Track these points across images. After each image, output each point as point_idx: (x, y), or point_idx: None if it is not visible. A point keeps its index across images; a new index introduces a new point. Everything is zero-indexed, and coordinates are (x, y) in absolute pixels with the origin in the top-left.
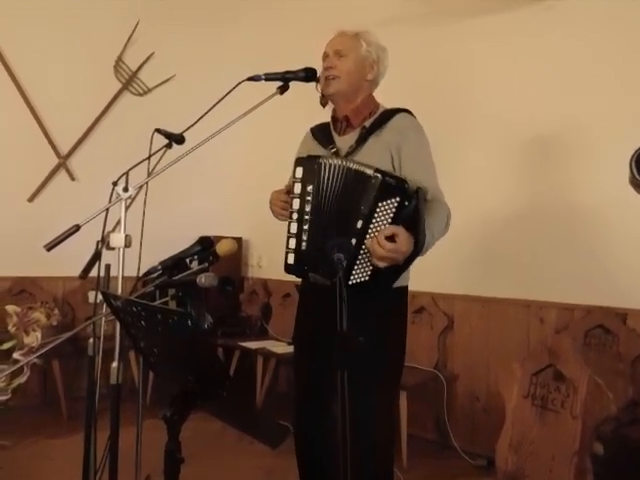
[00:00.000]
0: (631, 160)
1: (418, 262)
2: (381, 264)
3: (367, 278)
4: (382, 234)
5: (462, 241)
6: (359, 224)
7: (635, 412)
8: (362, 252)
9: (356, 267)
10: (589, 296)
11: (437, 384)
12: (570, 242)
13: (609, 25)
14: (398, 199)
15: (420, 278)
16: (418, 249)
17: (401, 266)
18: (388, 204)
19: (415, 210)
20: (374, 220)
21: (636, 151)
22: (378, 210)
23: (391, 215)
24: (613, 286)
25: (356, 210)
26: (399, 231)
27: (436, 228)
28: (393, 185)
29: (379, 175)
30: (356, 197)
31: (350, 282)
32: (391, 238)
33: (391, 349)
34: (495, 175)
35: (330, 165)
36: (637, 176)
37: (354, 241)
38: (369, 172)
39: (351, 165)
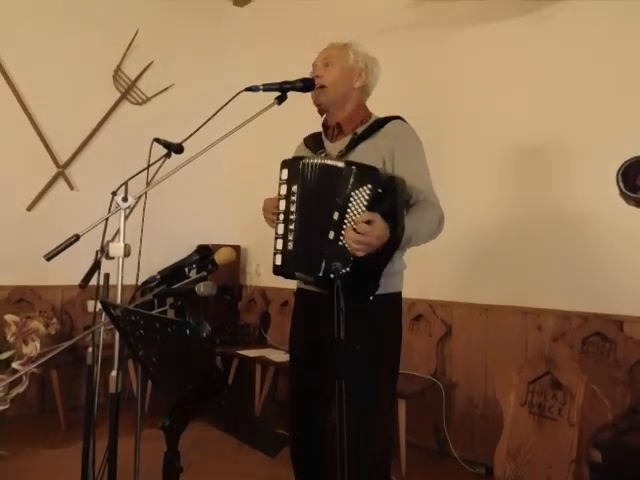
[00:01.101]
0: (617, 174)
1: (416, 270)
2: (358, 252)
3: (348, 269)
4: (357, 221)
5: (460, 249)
6: (335, 216)
7: (633, 419)
8: (340, 244)
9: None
10: (586, 303)
11: (435, 392)
12: (567, 250)
13: (601, 37)
14: (370, 186)
15: (418, 286)
16: (396, 238)
17: (381, 257)
18: (361, 192)
19: (390, 198)
20: (348, 210)
21: (622, 165)
22: (352, 199)
23: (364, 203)
24: (610, 293)
25: (333, 203)
26: (374, 217)
27: (422, 224)
28: (364, 174)
29: (351, 166)
30: (332, 191)
31: (332, 275)
32: (367, 224)
33: (386, 356)
34: (492, 183)
35: (311, 164)
36: (624, 189)
37: (332, 234)
38: (340, 165)
39: (326, 161)
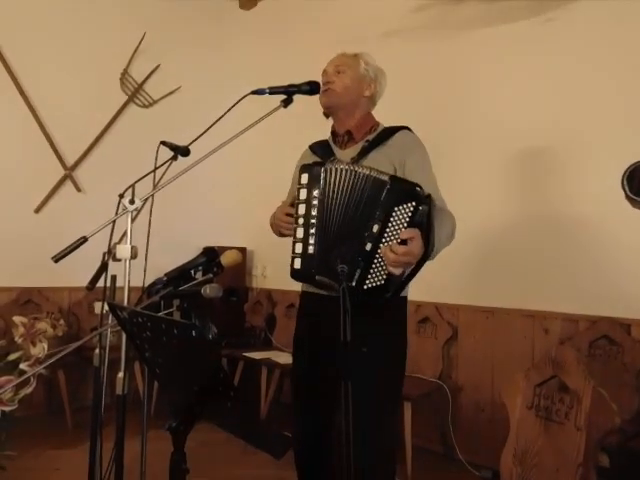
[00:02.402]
0: (623, 177)
1: (422, 272)
2: (396, 270)
3: (382, 282)
4: (399, 239)
5: (466, 251)
6: (375, 228)
7: None
8: (378, 257)
9: (372, 271)
10: (594, 307)
11: (441, 395)
12: (575, 253)
13: (608, 39)
14: (414, 203)
15: (424, 288)
16: (428, 253)
17: (412, 270)
18: (404, 208)
19: (427, 215)
20: (390, 225)
21: (627, 168)
22: (394, 214)
23: (407, 219)
24: (618, 297)
25: (370, 215)
26: (416, 234)
27: (442, 236)
28: (408, 190)
29: (395, 180)
30: (369, 202)
31: (365, 286)
32: (404, 242)
33: (391, 359)
34: (498, 186)
35: (337, 169)
36: (629, 193)
37: (369, 246)
38: (384, 178)
39: (360, 170)
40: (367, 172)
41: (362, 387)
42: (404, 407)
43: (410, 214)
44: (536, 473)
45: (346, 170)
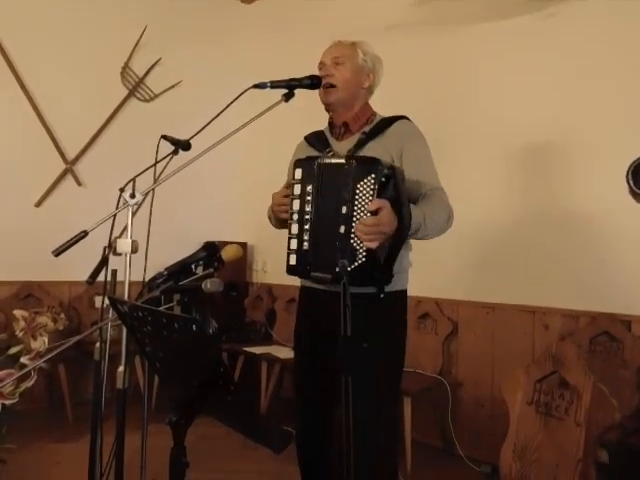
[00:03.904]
0: (627, 172)
1: (423, 268)
2: (371, 244)
3: (363, 259)
4: (366, 210)
5: (467, 247)
6: (344, 210)
7: None
8: (352, 237)
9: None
10: (594, 303)
11: (441, 390)
12: (575, 249)
13: (609, 34)
14: (373, 175)
15: (425, 284)
16: (405, 225)
17: (393, 246)
18: (365, 183)
19: (393, 186)
20: (356, 202)
21: (632, 163)
22: (357, 192)
23: (371, 193)
24: (618, 293)
25: (341, 199)
26: (382, 203)
27: (431, 215)
28: (366, 165)
29: (351, 160)
30: (340, 188)
31: (349, 268)
32: (375, 213)
33: (391, 353)
34: (499, 182)
35: (324, 164)
36: (634, 188)
37: (343, 228)
38: (341, 160)
39: (333, 160)
40: (334, 160)
41: (362, 382)
42: (404, 402)
43: (372, 186)
44: (536, 468)
45: (328, 163)
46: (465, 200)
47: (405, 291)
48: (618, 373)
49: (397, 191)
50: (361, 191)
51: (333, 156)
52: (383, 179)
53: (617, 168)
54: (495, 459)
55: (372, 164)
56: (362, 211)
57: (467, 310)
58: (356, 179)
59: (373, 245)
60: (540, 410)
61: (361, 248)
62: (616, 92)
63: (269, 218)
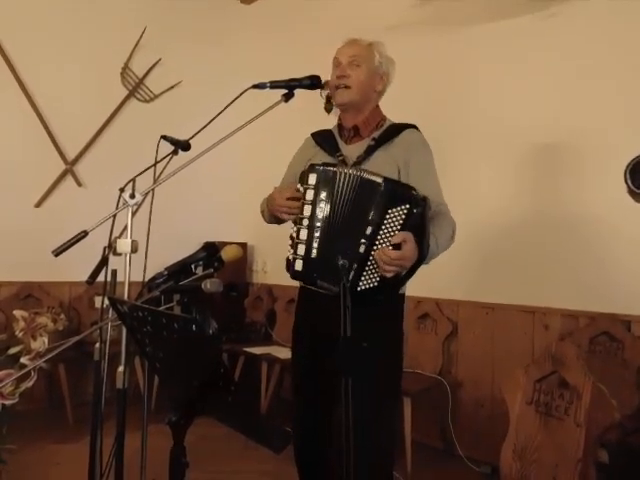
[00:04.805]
0: (626, 171)
1: (422, 268)
2: (388, 274)
3: (375, 284)
4: (391, 243)
5: (466, 247)
6: (368, 230)
7: None
8: (371, 259)
9: (365, 274)
10: (594, 303)
11: (441, 390)
12: (575, 249)
13: (609, 34)
14: (408, 206)
15: (424, 284)
16: (423, 256)
17: (407, 273)
18: (397, 211)
19: (422, 217)
20: (383, 227)
21: (630, 162)
22: (387, 217)
23: (400, 222)
24: (618, 293)
25: (365, 217)
26: (408, 237)
27: (441, 239)
28: (402, 192)
29: (388, 183)
30: (366, 205)
31: (359, 288)
32: (398, 245)
33: (389, 355)
34: (499, 182)
35: (344, 174)
36: (632, 187)
37: (363, 248)
38: (378, 180)
39: (362, 174)
40: (366, 176)
41: (361, 382)
42: (404, 402)
43: (404, 216)
44: (535, 468)
45: (351, 175)
46: (464, 201)
47: (403, 295)
48: (618, 373)
49: (423, 224)
50: (391, 217)
51: (360, 169)
52: (415, 210)
53: (616, 168)
54: (495, 459)
55: (408, 192)
56: (387, 237)
57: (467, 310)
58: (389, 204)
59: (389, 275)
60: (540, 410)
61: (376, 273)
62: (616, 92)
63: (262, 212)
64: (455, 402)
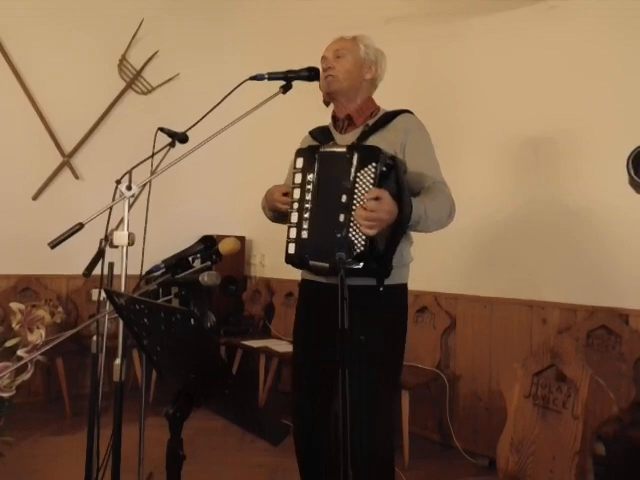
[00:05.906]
0: (628, 160)
1: (421, 262)
2: (370, 230)
3: (362, 248)
4: (366, 199)
5: (465, 241)
6: (344, 198)
7: (638, 413)
8: (352, 225)
9: (351, 239)
10: (592, 297)
11: (439, 384)
12: (573, 243)
13: (609, 25)
14: (374, 164)
15: (423, 278)
16: (405, 215)
17: (392, 236)
18: (366, 171)
19: (395, 175)
20: (356, 190)
21: (632, 151)
22: (358, 180)
23: (370, 182)
24: (616, 287)
25: (340, 187)
26: (382, 193)
27: (431, 209)
28: (368, 154)
29: (352, 149)
30: (339, 176)
31: (348, 259)
32: (375, 200)
33: (391, 346)
34: (498, 176)
35: (327, 153)
36: (634, 176)
37: (342, 217)
38: (342, 150)
39: (332, 149)
40: (336, 149)
41: (360, 375)
42: (402, 396)
43: (372, 175)
44: (533, 461)
45: (330, 152)
46: (463, 194)
47: (405, 285)
48: (615, 366)
49: (397, 181)
50: (361, 180)
51: (334, 145)
52: (384, 168)
53: (616, 159)
54: (492, 452)
55: (373, 153)
56: (362, 200)
57: (465, 304)
58: (357, 168)
59: (372, 232)
60: (537, 403)
61: (360, 237)
62: (615, 84)
63: (263, 208)
64: (453, 395)
